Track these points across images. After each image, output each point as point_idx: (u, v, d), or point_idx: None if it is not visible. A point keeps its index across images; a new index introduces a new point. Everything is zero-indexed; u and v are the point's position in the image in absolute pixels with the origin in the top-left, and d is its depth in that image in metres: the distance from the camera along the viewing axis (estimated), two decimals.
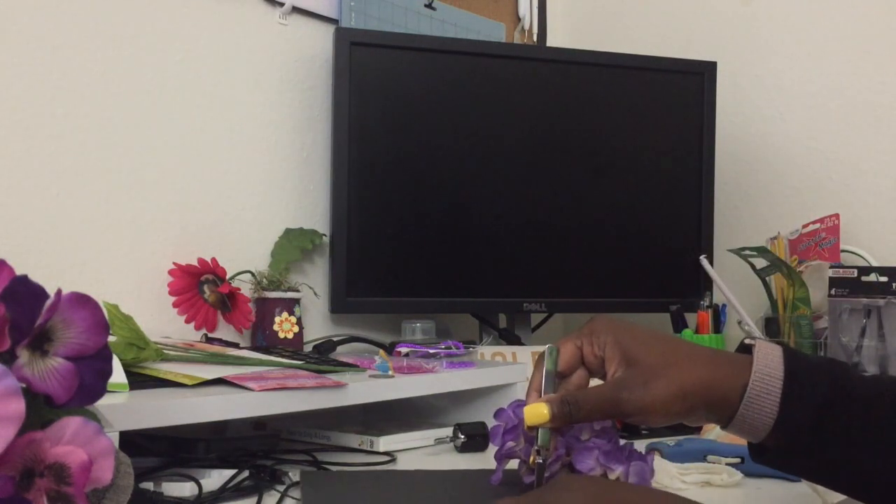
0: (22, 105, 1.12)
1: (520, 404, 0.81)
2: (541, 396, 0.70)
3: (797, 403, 0.64)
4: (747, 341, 0.69)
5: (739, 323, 1.41)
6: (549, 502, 0.57)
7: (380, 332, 1.49)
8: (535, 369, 0.73)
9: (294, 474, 0.90)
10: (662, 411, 0.65)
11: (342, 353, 1.34)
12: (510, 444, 0.85)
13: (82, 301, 0.53)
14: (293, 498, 0.84)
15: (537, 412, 0.67)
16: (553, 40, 1.91)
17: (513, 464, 0.86)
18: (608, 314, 0.73)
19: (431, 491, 0.87)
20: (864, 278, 1.41)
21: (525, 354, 1.41)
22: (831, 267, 1.45)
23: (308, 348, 1.34)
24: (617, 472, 0.79)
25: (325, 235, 1.42)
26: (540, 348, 1.43)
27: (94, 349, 0.53)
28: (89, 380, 0.52)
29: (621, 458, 0.78)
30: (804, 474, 0.70)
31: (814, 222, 1.53)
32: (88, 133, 1.18)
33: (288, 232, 1.39)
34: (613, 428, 0.84)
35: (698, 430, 1.16)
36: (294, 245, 1.37)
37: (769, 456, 0.68)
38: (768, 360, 0.66)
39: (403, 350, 1.24)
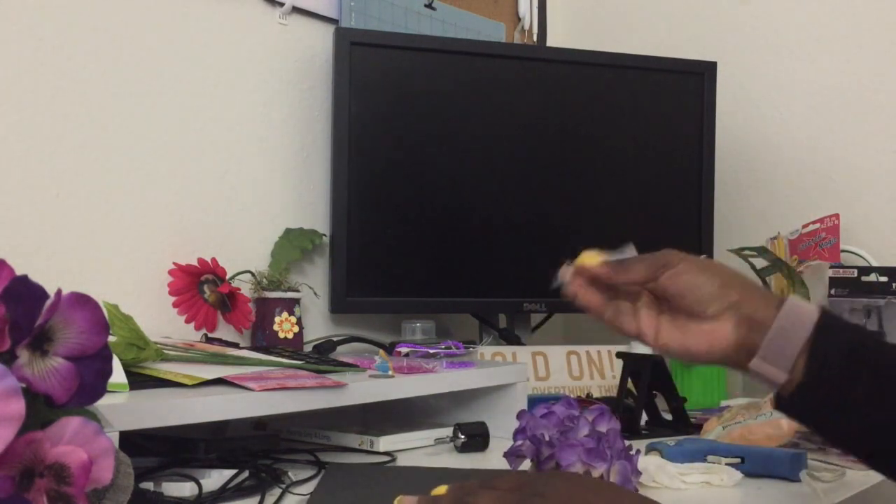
0: (22, 105, 1.12)
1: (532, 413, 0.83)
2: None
3: (831, 330, 0.65)
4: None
5: None
6: (532, 487, 0.57)
7: (380, 332, 1.49)
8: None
9: (294, 474, 0.90)
10: (698, 275, 0.68)
11: (342, 353, 1.34)
12: (518, 443, 0.86)
13: (82, 301, 0.53)
14: (297, 494, 0.84)
15: (591, 256, 0.71)
16: (553, 40, 1.91)
17: (525, 464, 0.87)
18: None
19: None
20: (864, 278, 1.41)
21: (525, 354, 1.41)
22: (831, 267, 1.45)
23: (308, 348, 1.34)
24: (599, 469, 0.79)
25: (325, 235, 1.42)
26: (540, 348, 1.43)
27: (94, 349, 0.53)
28: (89, 380, 0.52)
29: (605, 456, 0.79)
30: (822, 422, 0.67)
31: (814, 222, 1.53)
32: (88, 133, 1.18)
33: (288, 232, 1.39)
34: (617, 431, 0.84)
35: (698, 430, 1.16)
36: (294, 245, 1.36)
37: (793, 397, 0.66)
38: (801, 302, 0.67)
39: (403, 350, 1.24)
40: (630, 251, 0.72)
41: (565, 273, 0.72)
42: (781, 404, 0.68)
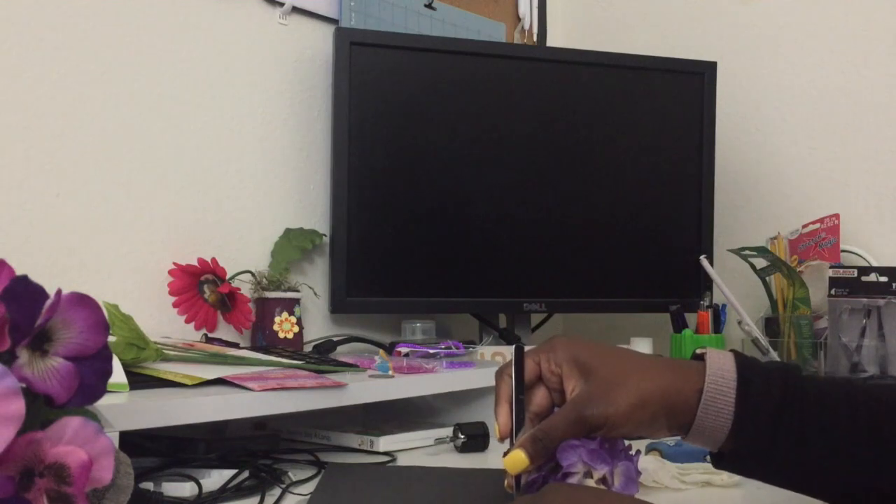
0: (22, 105, 1.12)
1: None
2: (510, 405, 0.71)
3: (752, 405, 0.66)
4: (698, 350, 0.71)
5: (739, 323, 1.41)
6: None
7: (380, 332, 1.49)
8: (499, 379, 0.74)
9: (294, 474, 0.90)
10: (626, 422, 0.67)
11: (342, 353, 1.34)
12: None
13: (82, 301, 0.53)
14: (297, 494, 0.84)
15: (517, 460, 0.67)
16: (553, 40, 1.91)
17: None
18: (564, 336, 0.74)
19: (450, 488, 0.88)
20: (864, 278, 1.41)
21: None
22: (831, 267, 1.45)
23: (308, 348, 1.34)
24: (601, 471, 0.79)
25: (325, 235, 1.42)
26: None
27: (94, 349, 0.53)
28: (89, 380, 0.52)
29: (606, 458, 0.79)
30: (763, 477, 0.70)
31: (814, 222, 1.53)
32: (88, 133, 1.18)
33: (288, 232, 1.39)
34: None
35: None
36: (294, 245, 1.37)
37: (729, 461, 0.69)
38: (721, 365, 0.68)
39: (403, 350, 1.25)
40: (518, 353, 0.72)
41: (511, 485, 0.71)
42: (716, 465, 0.71)
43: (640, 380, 0.67)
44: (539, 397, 0.73)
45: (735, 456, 0.68)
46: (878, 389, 0.68)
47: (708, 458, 0.96)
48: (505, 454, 0.69)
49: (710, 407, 0.67)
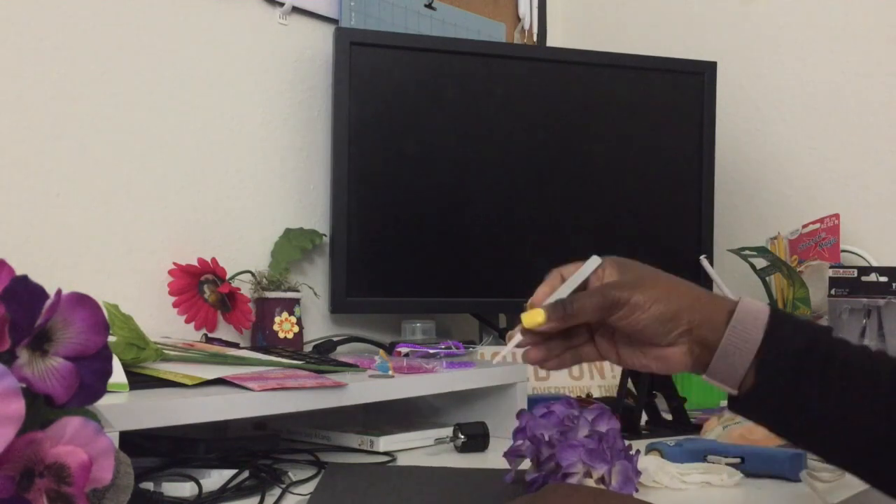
0: (22, 105, 1.12)
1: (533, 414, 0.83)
2: (550, 290, 0.73)
3: (779, 339, 0.67)
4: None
5: None
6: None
7: (380, 332, 1.49)
8: (551, 275, 0.75)
9: (294, 474, 0.90)
10: (648, 309, 0.68)
11: (342, 353, 1.34)
12: (518, 443, 0.86)
13: (82, 301, 0.53)
14: (297, 494, 0.84)
15: (535, 314, 0.70)
16: (553, 40, 1.91)
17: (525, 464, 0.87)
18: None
19: (449, 488, 0.88)
20: (864, 278, 1.41)
21: None
22: (831, 267, 1.45)
23: (308, 348, 1.34)
24: (600, 471, 0.79)
25: (325, 235, 1.42)
26: None
27: (94, 349, 0.53)
28: (89, 380, 0.52)
29: (605, 457, 0.79)
30: (775, 423, 0.70)
31: (814, 222, 1.53)
32: (88, 133, 1.18)
33: (288, 232, 1.39)
34: (617, 431, 0.84)
35: (698, 430, 1.16)
36: (294, 245, 1.37)
37: (745, 401, 0.69)
38: (754, 303, 0.69)
39: (403, 350, 1.24)
40: (593, 263, 0.73)
41: (512, 337, 0.71)
42: (732, 406, 0.71)
43: (671, 284, 0.70)
44: None
45: (753, 395, 0.68)
46: None
47: (708, 457, 0.96)
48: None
49: (738, 329, 0.67)
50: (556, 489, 0.63)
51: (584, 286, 0.72)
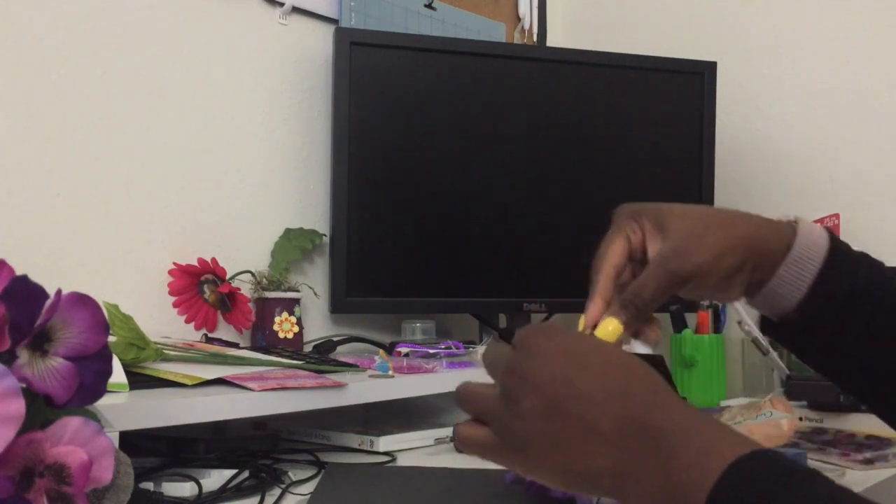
0: (22, 105, 1.12)
1: None
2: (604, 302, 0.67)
3: (835, 277, 0.65)
4: (789, 218, 0.68)
5: (739, 323, 1.40)
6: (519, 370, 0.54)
7: (380, 332, 1.49)
8: (596, 274, 0.68)
9: (294, 474, 0.90)
10: (715, 270, 0.64)
11: (342, 353, 1.34)
12: None
13: (82, 301, 0.53)
14: (297, 494, 0.84)
15: (612, 326, 0.64)
16: (553, 40, 1.91)
17: None
18: (637, 203, 0.70)
19: (450, 488, 0.88)
20: None
21: None
22: None
23: (308, 348, 1.34)
24: None
25: (325, 235, 1.42)
26: None
27: (94, 349, 0.53)
28: (89, 380, 0.52)
29: None
30: (813, 356, 0.69)
31: (814, 222, 1.53)
32: (88, 133, 1.18)
33: (288, 232, 1.39)
34: None
35: None
36: (294, 245, 1.36)
37: (781, 330, 0.68)
38: (813, 230, 0.66)
39: (403, 350, 1.24)
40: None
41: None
42: (766, 328, 0.70)
43: (725, 228, 0.65)
44: (627, 276, 0.68)
45: (798, 325, 0.66)
46: None
47: None
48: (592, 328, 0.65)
49: (793, 269, 0.65)
50: (536, 333, 0.57)
51: (627, 250, 0.67)
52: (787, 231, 0.66)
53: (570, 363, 0.54)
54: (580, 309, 0.70)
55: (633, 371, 0.55)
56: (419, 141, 1.43)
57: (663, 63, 1.57)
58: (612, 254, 0.67)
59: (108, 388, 0.57)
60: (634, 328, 0.66)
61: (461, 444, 0.57)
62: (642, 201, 0.72)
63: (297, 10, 1.43)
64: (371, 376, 1.04)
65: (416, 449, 1.09)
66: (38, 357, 0.51)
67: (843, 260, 0.66)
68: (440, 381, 1.10)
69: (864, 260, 0.67)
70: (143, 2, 1.24)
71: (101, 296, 0.60)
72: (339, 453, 1.04)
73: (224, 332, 1.26)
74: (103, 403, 0.57)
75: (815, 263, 0.65)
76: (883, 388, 0.67)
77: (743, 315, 1.39)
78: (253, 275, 1.31)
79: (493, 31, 1.74)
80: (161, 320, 1.21)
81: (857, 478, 0.95)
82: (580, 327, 0.67)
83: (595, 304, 0.66)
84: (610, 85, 1.54)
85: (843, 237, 1.56)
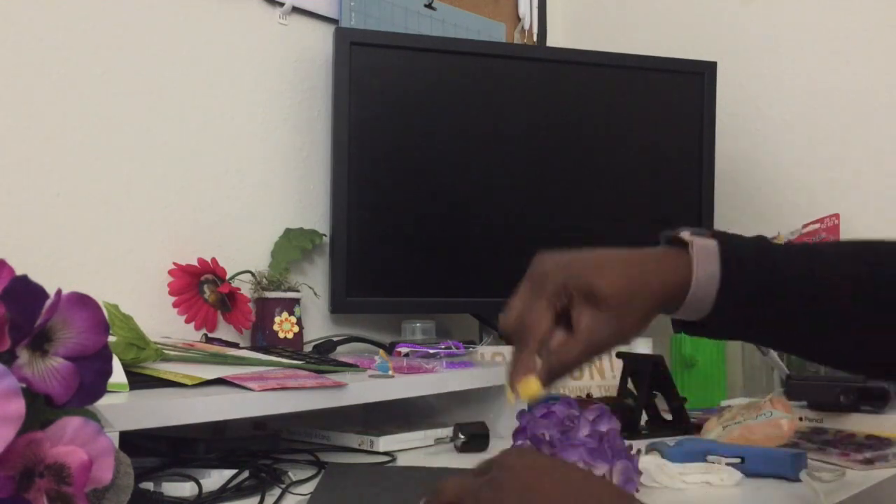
0: (22, 105, 1.12)
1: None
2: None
3: (734, 285, 0.70)
4: (679, 235, 0.74)
5: None
6: (490, 480, 0.57)
7: (380, 332, 1.49)
8: (524, 340, 0.70)
9: (294, 474, 0.90)
10: (634, 336, 0.70)
11: (342, 353, 1.34)
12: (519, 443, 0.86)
13: (82, 301, 0.53)
14: (297, 494, 0.84)
15: (532, 386, 0.67)
16: (553, 40, 1.91)
17: None
18: (548, 254, 0.74)
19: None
20: None
21: None
22: None
23: (308, 348, 1.34)
24: (601, 469, 0.79)
25: (325, 235, 1.42)
26: None
27: (94, 349, 0.53)
28: (89, 380, 0.52)
29: (606, 456, 0.79)
30: (742, 333, 0.75)
31: (814, 222, 1.53)
32: (88, 133, 1.18)
33: (288, 232, 1.39)
34: (617, 431, 0.84)
35: (698, 430, 1.16)
36: (294, 245, 1.36)
37: (700, 329, 0.72)
38: (706, 269, 0.70)
39: (403, 350, 1.24)
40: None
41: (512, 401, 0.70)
42: (687, 330, 0.74)
43: (645, 293, 0.69)
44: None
45: (711, 325, 0.71)
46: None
47: (708, 457, 0.96)
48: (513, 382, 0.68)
49: (698, 295, 0.70)
50: (512, 452, 0.61)
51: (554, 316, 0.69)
52: (685, 273, 0.71)
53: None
54: None
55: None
56: (419, 141, 1.43)
57: (663, 63, 1.57)
58: (541, 325, 0.69)
59: (108, 388, 0.57)
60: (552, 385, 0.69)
61: None
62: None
63: (297, 10, 1.43)
64: (371, 376, 1.04)
65: (416, 449, 1.09)
66: (38, 357, 0.51)
67: (738, 267, 0.71)
68: (440, 381, 1.10)
69: (760, 261, 0.72)
70: (143, 2, 1.24)
71: (101, 296, 0.60)
72: (339, 453, 1.04)
73: (224, 332, 1.26)
74: (103, 403, 0.56)
75: (710, 300, 0.70)
76: (814, 348, 0.73)
77: None
78: (253, 275, 1.31)
79: (493, 31, 1.74)
80: (161, 320, 1.21)
81: (857, 478, 0.95)
82: (506, 382, 0.69)
83: (523, 367, 0.68)
84: (610, 85, 1.54)
85: (843, 237, 1.57)
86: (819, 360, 0.79)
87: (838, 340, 0.72)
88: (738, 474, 0.92)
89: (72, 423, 0.50)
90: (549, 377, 0.67)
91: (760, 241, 0.75)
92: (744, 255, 0.72)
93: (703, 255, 0.70)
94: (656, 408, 1.26)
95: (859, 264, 0.71)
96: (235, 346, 1.18)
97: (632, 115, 1.56)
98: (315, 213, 1.45)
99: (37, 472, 0.49)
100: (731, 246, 0.72)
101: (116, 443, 0.67)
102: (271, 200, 1.39)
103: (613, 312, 0.68)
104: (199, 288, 1.23)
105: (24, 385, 0.49)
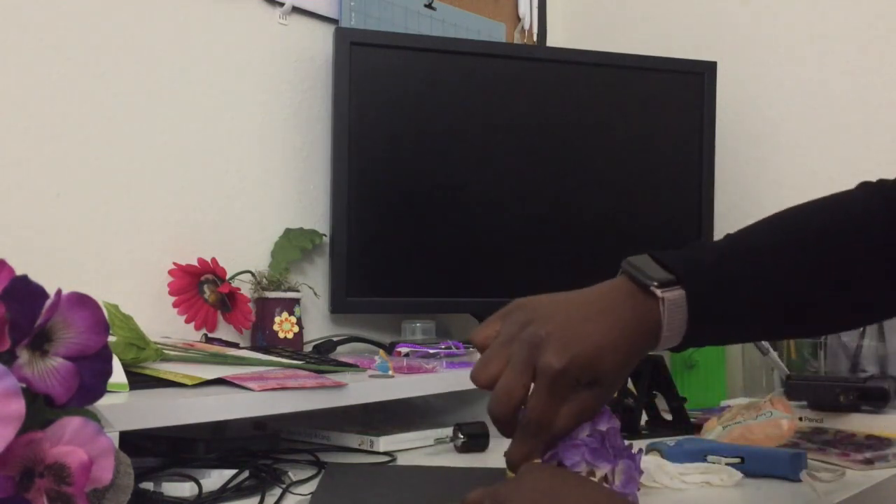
0: (22, 105, 1.12)
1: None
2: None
3: (703, 335, 0.74)
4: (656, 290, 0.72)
5: None
6: (502, 495, 0.61)
7: (380, 332, 1.49)
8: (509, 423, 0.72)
9: (294, 474, 0.90)
10: (617, 385, 0.73)
11: (342, 353, 1.34)
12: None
13: (82, 301, 0.53)
14: (297, 494, 0.84)
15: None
16: (553, 40, 1.91)
17: None
18: (523, 300, 0.79)
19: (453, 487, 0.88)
20: None
21: None
22: None
23: (308, 348, 1.34)
24: (603, 470, 0.79)
25: (325, 235, 1.42)
26: None
27: (94, 349, 0.53)
28: (89, 380, 0.52)
29: (608, 456, 0.79)
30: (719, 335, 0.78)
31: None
32: (88, 133, 1.18)
33: (288, 232, 1.39)
34: (617, 430, 0.84)
35: (698, 430, 1.16)
36: (294, 245, 1.37)
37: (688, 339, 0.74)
38: (674, 319, 0.72)
39: (403, 350, 1.24)
40: None
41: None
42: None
43: (630, 368, 0.72)
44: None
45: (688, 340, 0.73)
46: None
47: (708, 457, 0.96)
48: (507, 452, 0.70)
49: (671, 331, 0.72)
50: (534, 470, 0.64)
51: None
52: (657, 329, 0.71)
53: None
54: None
55: None
56: (419, 141, 1.43)
57: (663, 63, 1.57)
58: (553, 423, 0.71)
59: (108, 388, 0.57)
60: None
61: None
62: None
63: (297, 10, 1.43)
64: (371, 376, 1.04)
65: (416, 449, 1.08)
66: (38, 357, 0.51)
67: (704, 322, 0.72)
68: (440, 381, 1.10)
69: (723, 295, 0.73)
70: (143, 2, 1.24)
71: (101, 296, 0.60)
72: (339, 453, 1.04)
73: (224, 332, 1.26)
74: (103, 403, 0.57)
75: (677, 341, 0.72)
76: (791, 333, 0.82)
77: None
78: (253, 275, 1.31)
79: (493, 31, 1.74)
80: (161, 320, 1.21)
81: (857, 478, 0.95)
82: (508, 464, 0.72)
83: (532, 454, 0.71)
84: (610, 85, 1.54)
85: None
86: (799, 337, 0.84)
87: (810, 321, 0.79)
88: (737, 474, 0.92)
89: (72, 423, 0.50)
90: (543, 450, 0.71)
91: (721, 258, 0.76)
92: (708, 293, 0.73)
93: (674, 309, 0.72)
94: (656, 408, 1.26)
95: (796, 250, 0.81)
96: (235, 346, 1.18)
97: (632, 115, 1.56)
98: (315, 213, 1.45)
99: (37, 472, 0.49)
100: (698, 292, 0.72)
101: (116, 443, 0.67)
102: (271, 200, 1.39)
103: (609, 388, 0.72)
104: (199, 288, 1.23)
105: (24, 385, 0.49)
